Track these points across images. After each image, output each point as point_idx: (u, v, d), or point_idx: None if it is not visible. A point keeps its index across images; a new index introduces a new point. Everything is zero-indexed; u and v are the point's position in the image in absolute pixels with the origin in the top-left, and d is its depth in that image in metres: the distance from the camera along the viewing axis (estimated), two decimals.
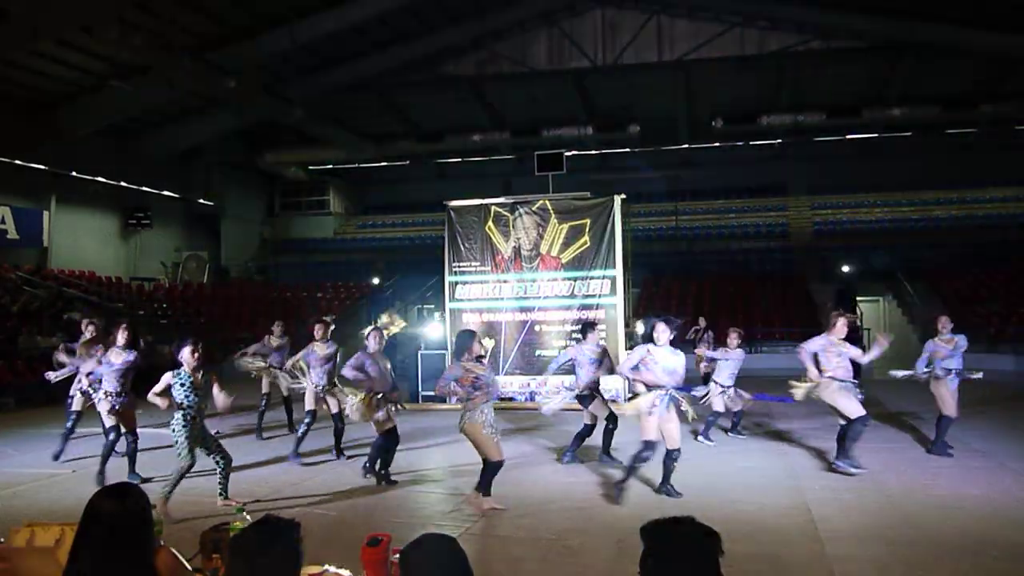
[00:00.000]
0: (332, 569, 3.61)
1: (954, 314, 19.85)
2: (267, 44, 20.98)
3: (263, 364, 10.81)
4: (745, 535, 5.71)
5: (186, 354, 6.66)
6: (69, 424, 8.96)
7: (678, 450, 6.86)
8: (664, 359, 6.79)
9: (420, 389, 13.47)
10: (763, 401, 12.99)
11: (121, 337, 8.13)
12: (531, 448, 9.56)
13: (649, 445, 6.78)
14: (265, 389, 10.93)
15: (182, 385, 6.61)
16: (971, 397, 12.96)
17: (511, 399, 13.13)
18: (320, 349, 9.04)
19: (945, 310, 20.64)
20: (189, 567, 2.85)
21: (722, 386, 9.77)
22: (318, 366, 9.01)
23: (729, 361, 9.78)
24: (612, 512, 6.52)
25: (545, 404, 8.87)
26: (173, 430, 6.64)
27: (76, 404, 9.00)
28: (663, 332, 6.80)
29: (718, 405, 9.74)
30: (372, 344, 7.82)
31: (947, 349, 8.71)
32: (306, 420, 8.90)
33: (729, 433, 9.91)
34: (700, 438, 9.56)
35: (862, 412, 7.54)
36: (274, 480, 7.87)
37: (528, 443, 9.93)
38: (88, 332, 9.38)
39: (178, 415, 6.62)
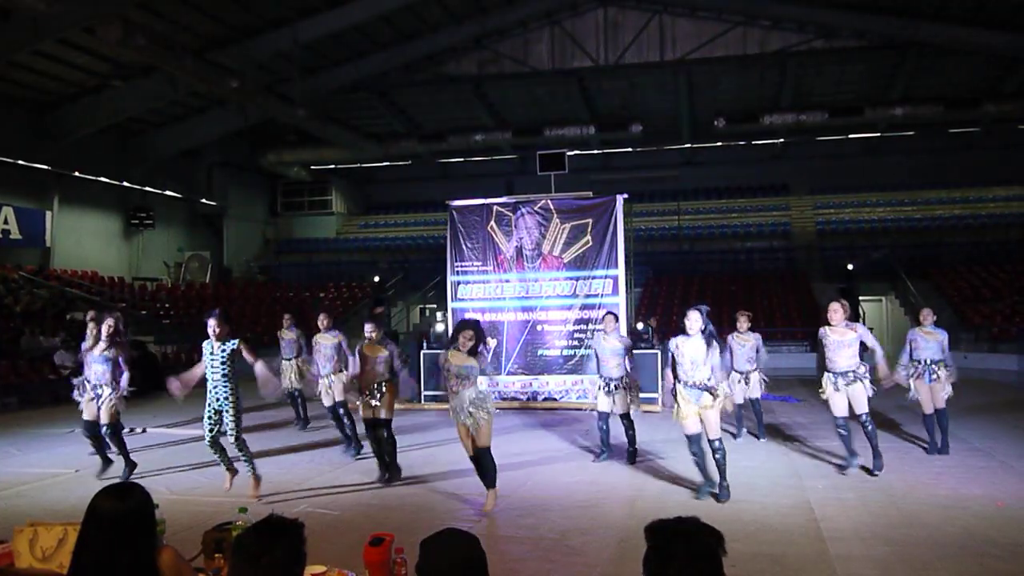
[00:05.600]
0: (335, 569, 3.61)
1: (957, 313, 20.15)
2: (269, 44, 21.02)
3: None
4: (748, 534, 5.71)
5: (211, 325, 6.85)
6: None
7: (717, 440, 6.76)
8: (692, 351, 6.71)
9: (422, 388, 13.47)
10: (766, 400, 13.00)
11: (105, 331, 8.14)
12: (533, 448, 9.56)
13: (691, 439, 6.80)
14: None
15: (211, 354, 6.87)
16: (974, 397, 12.99)
17: (514, 399, 13.14)
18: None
19: (948, 310, 20.74)
20: (191, 567, 2.85)
21: (740, 372, 9.60)
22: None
23: (745, 347, 9.68)
24: (614, 512, 6.53)
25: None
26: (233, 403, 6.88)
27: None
28: (695, 321, 6.66)
29: (738, 397, 9.47)
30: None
31: (925, 340, 8.74)
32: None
33: (761, 439, 9.61)
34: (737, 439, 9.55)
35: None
36: (277, 479, 7.86)
37: (530, 443, 9.93)
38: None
39: (208, 386, 6.87)
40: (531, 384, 13.18)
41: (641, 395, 9.12)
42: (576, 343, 12.93)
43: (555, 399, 12.97)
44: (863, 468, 7.63)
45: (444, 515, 6.42)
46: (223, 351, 6.80)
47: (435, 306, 23.11)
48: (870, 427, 7.48)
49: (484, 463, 6.49)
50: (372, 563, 3.66)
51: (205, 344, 6.90)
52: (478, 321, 6.93)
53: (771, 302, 22.31)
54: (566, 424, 11.17)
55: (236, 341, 6.84)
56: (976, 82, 24.01)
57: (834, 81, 24.88)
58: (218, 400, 6.84)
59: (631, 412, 8.47)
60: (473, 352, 6.55)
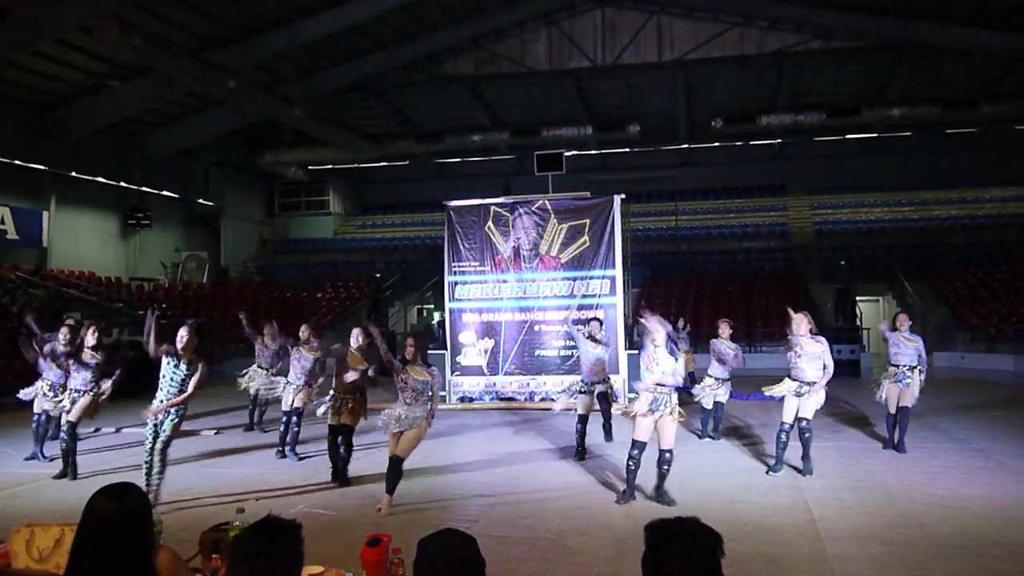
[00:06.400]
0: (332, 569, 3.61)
1: (954, 314, 20.18)
2: (267, 44, 21.00)
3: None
4: (746, 534, 5.72)
5: (182, 334, 6.78)
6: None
7: (670, 451, 6.75)
8: (663, 360, 6.78)
9: None
10: (762, 400, 13.00)
11: (91, 338, 8.49)
12: (531, 448, 9.56)
13: (636, 444, 6.80)
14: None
15: (175, 367, 6.72)
16: (971, 397, 13.02)
17: (511, 399, 13.14)
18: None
19: (946, 310, 20.78)
20: (188, 567, 2.85)
21: (718, 379, 9.72)
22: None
23: (729, 355, 9.73)
24: (611, 512, 6.53)
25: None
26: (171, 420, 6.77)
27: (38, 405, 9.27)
28: (658, 332, 6.78)
29: (708, 402, 9.71)
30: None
31: (905, 346, 8.94)
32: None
33: (706, 437, 9.74)
34: (706, 438, 9.65)
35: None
36: (274, 479, 7.86)
37: (528, 443, 9.93)
38: (63, 336, 9.00)
39: (159, 396, 6.76)
40: (528, 384, 13.18)
41: (632, 395, 9.22)
42: (573, 343, 12.90)
43: (552, 399, 12.94)
44: (795, 468, 7.74)
45: (441, 515, 6.42)
46: (187, 369, 6.70)
47: (432, 306, 23.11)
48: (808, 435, 7.71)
49: (395, 469, 6.61)
50: (369, 563, 3.66)
51: (167, 357, 6.72)
52: (421, 332, 7.13)
53: (768, 302, 22.31)
54: (563, 425, 11.15)
55: (201, 364, 6.76)
56: (973, 83, 24.04)
57: (831, 82, 24.90)
58: (167, 414, 6.72)
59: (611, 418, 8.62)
60: (424, 361, 6.77)
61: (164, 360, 6.72)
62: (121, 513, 2.46)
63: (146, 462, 6.73)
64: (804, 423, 7.68)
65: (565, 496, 7.05)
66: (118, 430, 11.06)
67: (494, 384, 13.30)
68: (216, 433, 10.84)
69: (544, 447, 9.60)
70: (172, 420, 6.76)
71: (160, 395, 6.73)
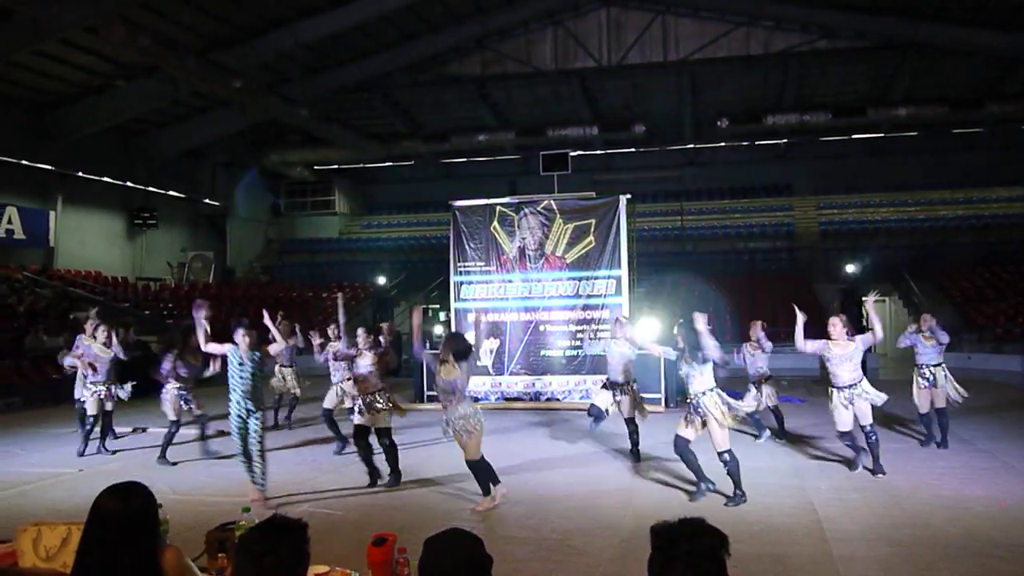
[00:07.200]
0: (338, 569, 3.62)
1: (961, 314, 20.09)
2: (272, 44, 21.02)
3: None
4: (751, 535, 5.71)
5: (239, 336, 6.95)
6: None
7: (724, 452, 6.74)
8: (687, 364, 6.85)
9: (425, 388, 13.47)
10: (788, 402, 12.98)
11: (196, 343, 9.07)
12: (536, 448, 9.55)
13: (678, 441, 6.88)
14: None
15: (240, 364, 6.92)
16: (978, 398, 12.96)
17: (516, 399, 13.14)
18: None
19: (952, 310, 20.69)
20: (194, 566, 2.86)
21: (751, 382, 9.67)
22: None
23: (756, 355, 9.64)
24: (616, 512, 6.53)
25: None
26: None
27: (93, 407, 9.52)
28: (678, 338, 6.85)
29: (749, 405, 9.44)
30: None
31: (924, 346, 9.04)
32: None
33: (777, 439, 9.63)
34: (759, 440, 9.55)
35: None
36: (280, 479, 7.87)
37: (533, 443, 9.92)
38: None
39: (233, 397, 6.94)
40: (534, 384, 13.19)
41: (643, 395, 9.18)
42: (579, 343, 12.91)
43: (558, 399, 12.97)
44: (865, 468, 7.68)
45: (447, 515, 6.42)
46: (253, 360, 6.94)
47: (438, 306, 23.09)
48: (874, 438, 7.66)
49: (473, 474, 6.76)
50: (375, 563, 3.66)
51: (231, 352, 6.94)
52: (456, 333, 7.18)
53: (774, 303, 22.25)
54: (569, 424, 11.16)
55: (260, 353, 7.02)
56: (976, 82, 23.95)
57: (837, 81, 24.83)
58: (248, 411, 6.90)
59: (636, 417, 8.53)
60: (458, 359, 6.72)
61: (229, 361, 6.95)
62: (127, 513, 2.47)
63: (244, 461, 6.94)
64: (868, 427, 7.61)
65: (570, 496, 7.05)
66: (144, 430, 11.11)
67: (500, 384, 13.31)
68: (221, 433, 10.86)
69: (549, 447, 9.60)
70: (257, 420, 6.93)
71: (235, 396, 6.91)
